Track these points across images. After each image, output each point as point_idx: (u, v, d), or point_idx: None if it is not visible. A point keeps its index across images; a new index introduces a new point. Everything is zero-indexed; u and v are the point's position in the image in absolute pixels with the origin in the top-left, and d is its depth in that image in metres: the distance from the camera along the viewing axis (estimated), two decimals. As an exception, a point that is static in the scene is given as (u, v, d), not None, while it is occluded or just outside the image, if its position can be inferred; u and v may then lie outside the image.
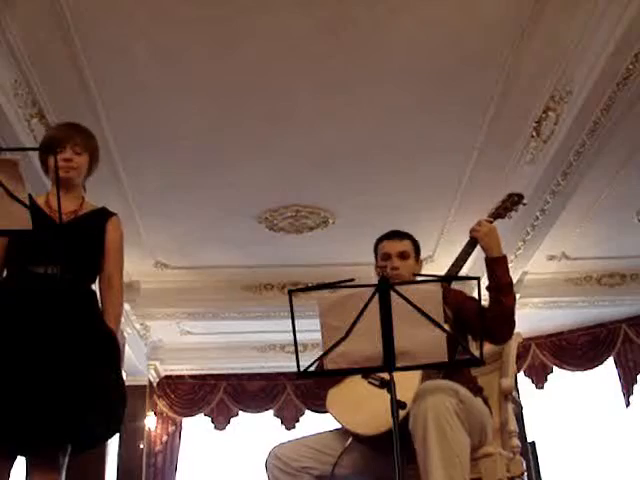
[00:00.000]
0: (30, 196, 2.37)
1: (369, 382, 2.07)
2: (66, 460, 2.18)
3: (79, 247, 2.35)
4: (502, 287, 2.40)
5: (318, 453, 2.27)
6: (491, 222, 2.56)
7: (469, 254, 2.52)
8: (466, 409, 2.07)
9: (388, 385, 1.83)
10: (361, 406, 2.24)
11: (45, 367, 2.08)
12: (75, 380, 2.11)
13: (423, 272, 2.74)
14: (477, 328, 2.40)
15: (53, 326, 2.16)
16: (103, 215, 2.49)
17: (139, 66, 3.87)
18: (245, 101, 4.21)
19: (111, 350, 2.29)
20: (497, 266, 2.42)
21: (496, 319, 2.35)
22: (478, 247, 2.51)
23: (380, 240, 2.71)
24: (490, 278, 2.42)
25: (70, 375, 2.11)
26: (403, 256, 2.61)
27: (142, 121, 4.33)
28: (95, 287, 2.44)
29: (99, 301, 2.40)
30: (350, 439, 2.25)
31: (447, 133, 4.58)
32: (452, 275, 2.49)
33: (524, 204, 2.75)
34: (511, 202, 2.71)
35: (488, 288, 2.43)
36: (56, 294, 2.23)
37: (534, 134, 4.60)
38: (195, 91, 4.11)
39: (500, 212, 2.67)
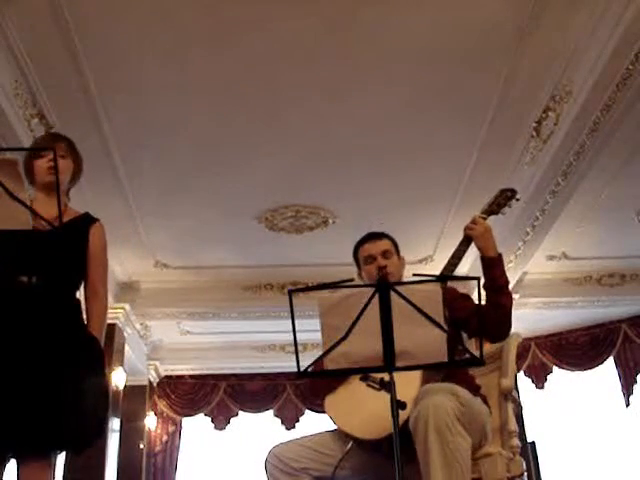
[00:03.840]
0: None
1: (368, 385, 2.05)
2: (56, 459, 2.18)
3: (62, 255, 2.30)
4: (498, 287, 2.37)
5: (318, 454, 2.26)
6: (485, 219, 2.51)
7: (464, 252, 2.48)
8: (467, 411, 2.06)
9: (388, 385, 1.82)
10: (361, 409, 2.22)
11: (26, 374, 2.07)
12: (58, 385, 2.10)
13: (422, 272, 2.67)
14: (472, 327, 2.41)
15: (34, 334, 2.14)
16: (86, 221, 2.45)
17: (139, 66, 3.87)
18: (245, 101, 4.21)
19: (94, 355, 2.28)
20: (493, 266, 2.39)
21: (493, 320, 2.33)
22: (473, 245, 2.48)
23: (359, 245, 2.68)
24: (486, 278, 2.39)
25: (52, 380, 2.10)
26: (387, 255, 2.58)
27: (142, 121, 4.33)
28: (79, 294, 2.41)
29: (83, 310, 2.38)
30: (351, 442, 2.24)
31: (447, 133, 4.58)
32: (448, 274, 2.46)
33: (517, 199, 2.69)
34: (504, 198, 2.65)
35: (484, 287, 2.38)
36: (37, 304, 2.20)
37: (534, 134, 4.60)
38: (195, 91, 4.12)
39: (493, 208, 2.63)
